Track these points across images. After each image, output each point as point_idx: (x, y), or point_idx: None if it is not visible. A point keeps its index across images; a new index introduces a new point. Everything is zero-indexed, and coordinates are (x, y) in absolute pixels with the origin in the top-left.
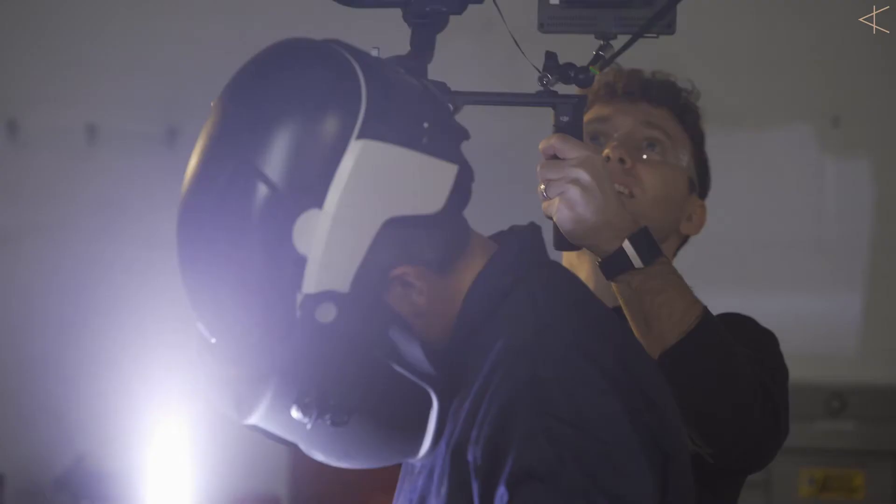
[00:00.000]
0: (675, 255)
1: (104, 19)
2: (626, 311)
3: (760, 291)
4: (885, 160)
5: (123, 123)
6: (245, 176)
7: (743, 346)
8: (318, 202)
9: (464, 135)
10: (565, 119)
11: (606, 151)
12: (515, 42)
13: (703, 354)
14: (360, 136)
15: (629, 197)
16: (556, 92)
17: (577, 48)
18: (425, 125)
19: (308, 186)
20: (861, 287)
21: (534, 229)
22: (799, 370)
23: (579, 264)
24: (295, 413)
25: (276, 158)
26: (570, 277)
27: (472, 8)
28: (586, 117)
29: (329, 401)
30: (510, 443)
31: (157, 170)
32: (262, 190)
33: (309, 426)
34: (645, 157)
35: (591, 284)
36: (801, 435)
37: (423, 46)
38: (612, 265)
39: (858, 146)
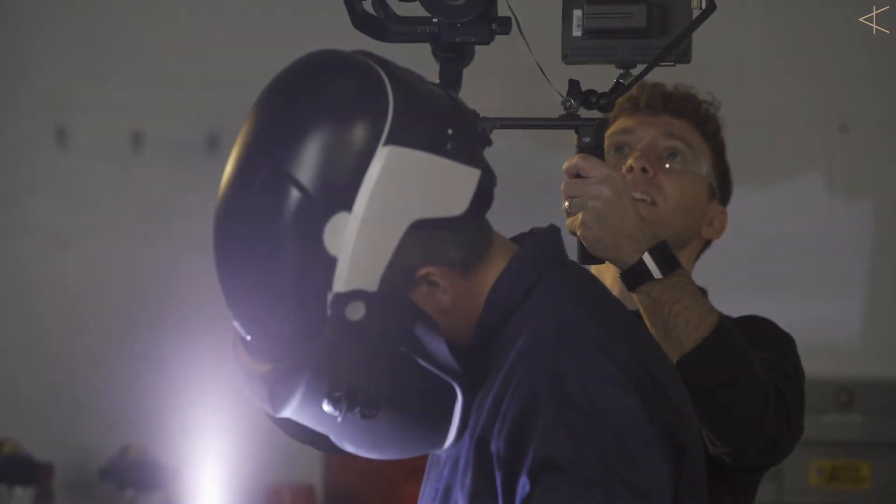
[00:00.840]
0: (697, 257)
1: (148, 32)
2: (646, 320)
3: (772, 290)
4: (890, 165)
5: (167, 131)
6: (278, 181)
7: (759, 349)
8: (348, 206)
9: (486, 141)
10: (587, 140)
11: (630, 162)
12: (541, 70)
13: (718, 360)
14: (387, 143)
15: (651, 205)
16: (578, 116)
17: (598, 76)
18: (449, 132)
19: (338, 191)
20: (868, 285)
21: (553, 231)
22: (808, 365)
23: (606, 269)
24: (326, 407)
25: (307, 164)
26: (587, 277)
27: (498, 40)
28: (611, 129)
29: (358, 395)
30: (531, 435)
31: (199, 175)
32: (294, 194)
33: (339, 419)
34: (667, 166)
35: (615, 290)
36: (811, 427)
37: (451, 79)
38: (633, 276)
39: (865, 152)
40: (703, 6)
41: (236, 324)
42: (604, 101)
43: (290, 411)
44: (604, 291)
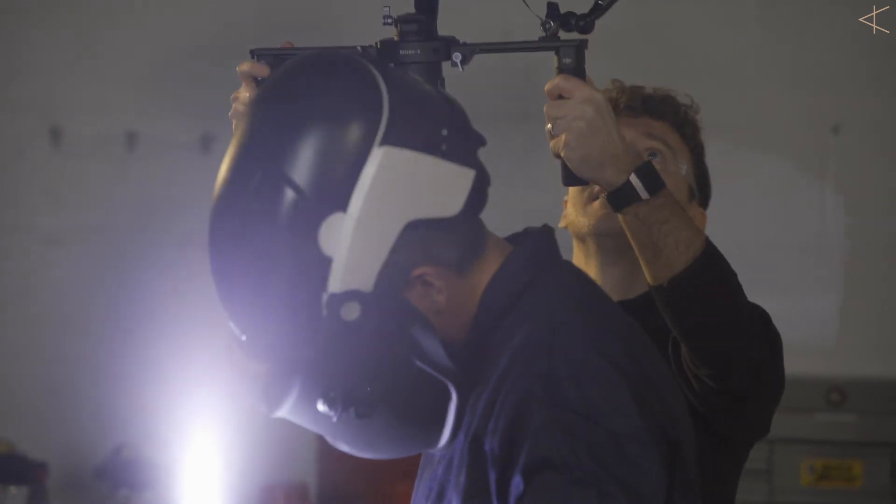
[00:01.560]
0: None
1: (143, 31)
2: (633, 242)
3: (766, 289)
4: (884, 167)
5: (161, 131)
6: (273, 181)
7: None
8: (343, 206)
9: (480, 141)
10: (568, 61)
11: None
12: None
13: (707, 280)
14: (382, 143)
15: None
16: (558, 38)
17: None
18: (444, 132)
19: (333, 191)
20: (861, 285)
21: (547, 231)
22: (801, 364)
23: (586, 268)
24: (321, 407)
25: (302, 165)
26: (581, 276)
27: None
28: None
29: (354, 395)
30: (525, 434)
31: (193, 175)
32: (290, 195)
33: (335, 419)
34: None
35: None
36: (803, 426)
37: (427, 4)
38: (620, 197)
39: (858, 153)
40: None
41: (231, 324)
42: (583, 23)
43: (284, 411)
44: (598, 291)
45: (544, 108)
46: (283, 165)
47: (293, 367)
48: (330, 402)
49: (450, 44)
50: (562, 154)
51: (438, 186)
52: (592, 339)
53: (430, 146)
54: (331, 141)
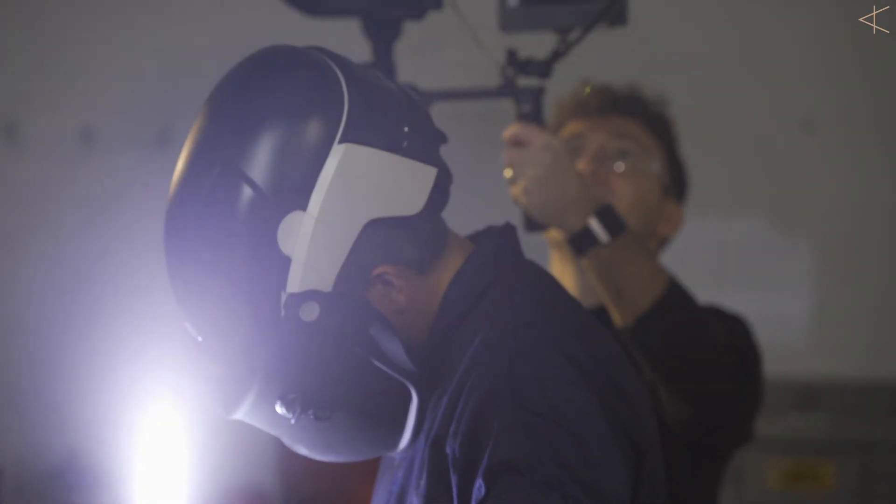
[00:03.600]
0: (656, 255)
1: (99, 24)
2: (597, 285)
3: (736, 288)
4: (857, 162)
5: (118, 126)
6: (230, 179)
7: (717, 320)
8: (302, 204)
9: (442, 138)
10: (526, 108)
11: (581, 166)
12: (478, 42)
13: (673, 317)
14: (342, 140)
15: None
16: (516, 84)
17: (534, 44)
18: (405, 129)
19: (292, 189)
20: (832, 285)
21: (509, 229)
22: (772, 365)
23: (564, 271)
24: (279, 408)
25: (260, 162)
26: (544, 275)
27: (441, 13)
28: (562, 134)
29: (312, 396)
30: (487, 436)
31: (150, 171)
32: (247, 192)
33: (293, 421)
34: (618, 167)
35: (576, 289)
36: (773, 427)
37: (384, 55)
38: (581, 241)
39: (831, 148)
40: None
41: (188, 325)
42: (542, 68)
43: (242, 413)
44: (561, 291)
45: (503, 155)
46: (240, 162)
47: (251, 368)
48: (288, 404)
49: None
50: (521, 201)
51: (400, 184)
52: (555, 340)
53: (391, 143)
54: (290, 137)
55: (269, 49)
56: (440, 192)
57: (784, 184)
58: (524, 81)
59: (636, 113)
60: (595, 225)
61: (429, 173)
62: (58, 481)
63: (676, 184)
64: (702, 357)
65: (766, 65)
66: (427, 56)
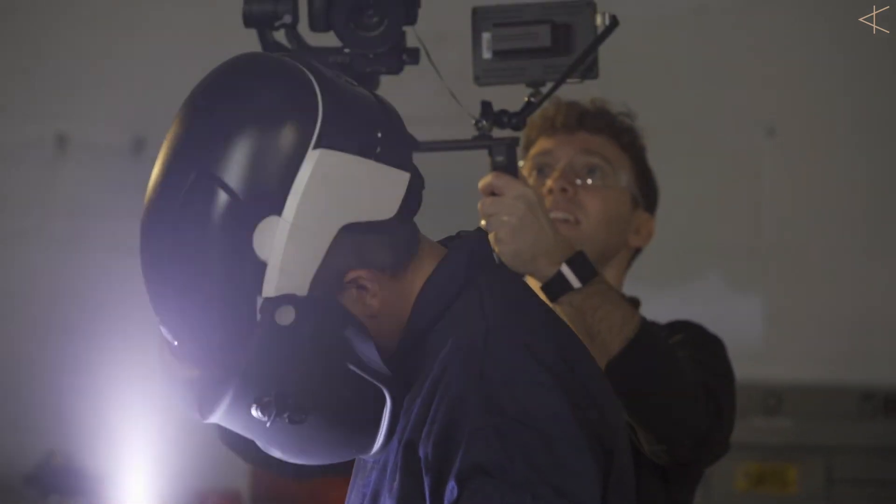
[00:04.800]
0: (628, 266)
1: (72, 33)
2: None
3: (702, 293)
4: (818, 167)
5: (92, 134)
6: (206, 184)
7: (690, 349)
8: (277, 209)
9: (415, 144)
10: (500, 159)
11: (549, 183)
12: (453, 95)
13: (644, 360)
14: (317, 146)
15: (575, 223)
16: (490, 136)
17: (512, 94)
18: (378, 135)
19: (267, 194)
20: (798, 289)
21: (480, 234)
22: (736, 369)
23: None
24: (255, 412)
25: (235, 167)
26: (515, 280)
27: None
28: (531, 152)
29: (287, 400)
30: (459, 439)
31: (124, 178)
32: (223, 198)
33: (268, 424)
34: (588, 182)
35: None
36: (738, 431)
37: None
38: (553, 288)
39: (793, 155)
40: (607, 22)
41: (163, 329)
42: (515, 120)
43: (217, 417)
44: (532, 295)
45: (478, 205)
46: (216, 168)
47: (226, 372)
48: (263, 408)
49: None
50: (496, 249)
51: (373, 189)
52: (526, 344)
53: (364, 149)
54: (265, 143)
55: (243, 56)
56: (413, 197)
57: (748, 188)
58: (498, 133)
59: (603, 128)
60: (567, 272)
61: (402, 178)
62: (33, 483)
63: (646, 195)
64: (673, 399)
65: (728, 73)
66: (403, 108)
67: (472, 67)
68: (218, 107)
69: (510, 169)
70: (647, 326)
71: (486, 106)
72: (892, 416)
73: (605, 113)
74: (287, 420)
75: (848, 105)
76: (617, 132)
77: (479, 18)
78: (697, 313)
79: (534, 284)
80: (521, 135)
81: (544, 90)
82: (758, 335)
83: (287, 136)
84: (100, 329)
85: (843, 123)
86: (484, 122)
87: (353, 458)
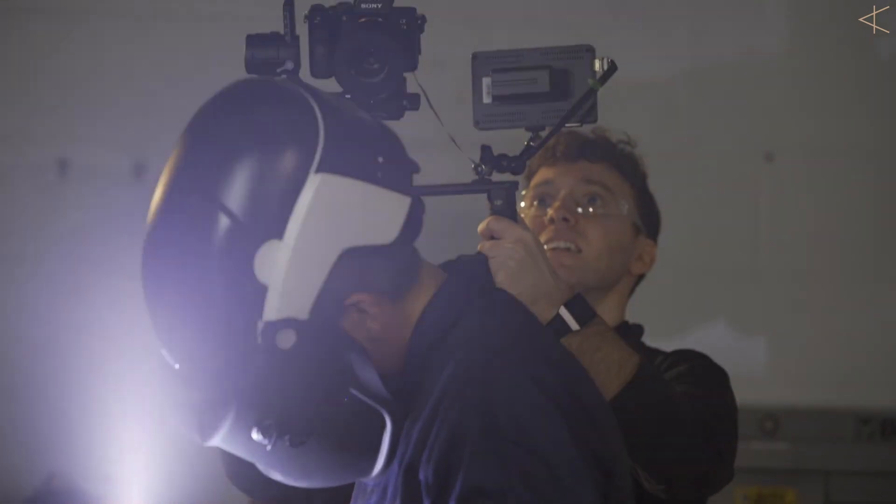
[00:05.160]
0: (631, 292)
1: (72, 59)
2: None
3: (699, 318)
4: (816, 194)
5: (92, 158)
6: (208, 208)
7: (691, 385)
8: (279, 233)
9: (415, 168)
10: (499, 203)
11: (550, 213)
12: (453, 140)
13: (643, 401)
14: (318, 171)
15: (577, 252)
16: (490, 179)
17: (512, 137)
18: (380, 159)
19: (269, 218)
20: (796, 312)
21: (480, 259)
22: (735, 393)
23: None
24: (255, 435)
25: (237, 192)
26: (515, 304)
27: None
28: (533, 181)
29: (288, 423)
30: (460, 463)
31: (124, 203)
32: (225, 222)
33: (269, 447)
34: (588, 211)
35: None
36: (737, 454)
37: None
38: (553, 330)
39: (790, 180)
40: (606, 67)
41: (165, 352)
42: (514, 164)
43: (218, 439)
44: (531, 318)
45: (477, 248)
46: (218, 192)
47: (228, 395)
48: (264, 431)
49: None
50: None
51: (375, 214)
52: (526, 368)
53: (366, 173)
54: (266, 168)
55: (245, 80)
56: (414, 222)
57: (746, 214)
58: (497, 177)
59: (604, 157)
60: (565, 314)
61: (403, 203)
62: None
63: (648, 222)
64: (671, 440)
65: (726, 99)
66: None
67: (472, 111)
68: (220, 131)
69: (509, 213)
70: (645, 367)
71: (485, 150)
72: (890, 440)
73: (605, 142)
74: (288, 443)
75: (845, 132)
76: (618, 160)
77: (479, 64)
78: (695, 339)
79: None
80: (521, 178)
81: (544, 134)
82: (755, 359)
83: (288, 161)
84: (100, 352)
85: (841, 150)
86: (483, 167)
87: (354, 482)
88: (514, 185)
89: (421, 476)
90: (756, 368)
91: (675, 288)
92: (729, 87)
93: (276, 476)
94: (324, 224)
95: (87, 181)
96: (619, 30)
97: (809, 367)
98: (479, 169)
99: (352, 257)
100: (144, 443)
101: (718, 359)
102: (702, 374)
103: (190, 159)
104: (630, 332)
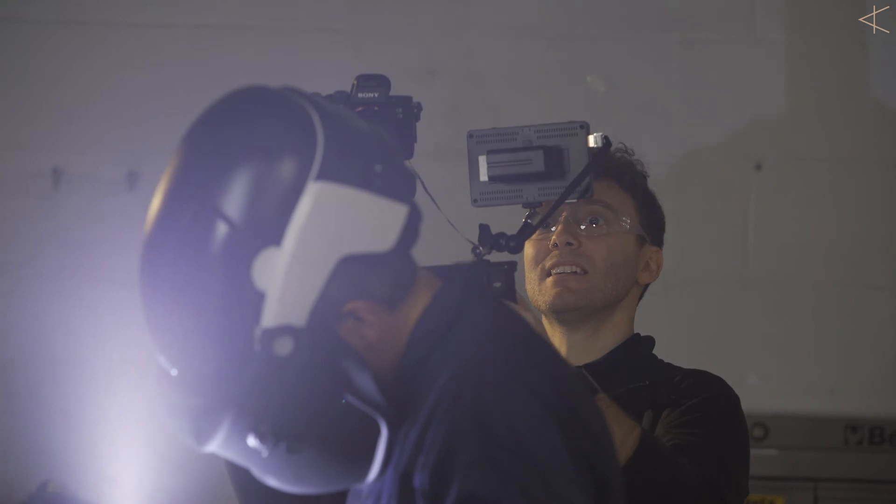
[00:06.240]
0: (639, 301)
1: (67, 67)
2: None
3: (690, 325)
4: (805, 202)
5: (87, 167)
6: (207, 216)
7: (699, 431)
8: (277, 241)
9: (413, 177)
10: (498, 285)
11: (553, 238)
12: (451, 224)
13: (646, 475)
14: (317, 179)
15: (583, 274)
16: (488, 261)
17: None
18: (378, 168)
19: (267, 226)
20: (783, 321)
21: (477, 266)
22: None
23: (552, 334)
24: (252, 441)
25: (236, 199)
26: (510, 312)
27: None
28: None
29: (285, 430)
30: (455, 469)
31: (119, 211)
32: (223, 229)
33: (265, 454)
34: (591, 231)
35: (563, 349)
36: None
37: None
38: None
39: (779, 189)
40: (600, 143)
41: (161, 358)
42: (513, 244)
43: (215, 446)
44: (526, 326)
45: None
46: (216, 199)
47: (224, 401)
48: (261, 437)
49: None
50: None
51: (372, 222)
52: (520, 376)
53: (363, 182)
54: (265, 175)
55: (243, 89)
56: (411, 230)
57: (735, 222)
58: (496, 256)
59: (603, 172)
60: None
61: (400, 211)
62: None
63: (652, 231)
64: None
65: (716, 108)
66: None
67: (469, 189)
68: (219, 139)
69: (509, 294)
70: (647, 440)
71: (484, 229)
72: (878, 448)
73: (603, 157)
74: (284, 449)
75: (834, 141)
76: (618, 173)
77: (475, 143)
78: (685, 346)
79: (559, 332)
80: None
81: (541, 210)
82: (744, 367)
83: (287, 168)
84: (93, 360)
85: (830, 159)
86: (481, 248)
87: (348, 488)
88: (514, 266)
89: (416, 483)
90: (745, 376)
91: (665, 296)
92: (718, 97)
93: (272, 482)
94: (322, 232)
95: (81, 189)
96: (610, 40)
97: (798, 375)
98: (477, 251)
99: (349, 265)
100: (139, 449)
101: (708, 367)
102: (713, 413)
103: (188, 167)
104: (641, 345)
